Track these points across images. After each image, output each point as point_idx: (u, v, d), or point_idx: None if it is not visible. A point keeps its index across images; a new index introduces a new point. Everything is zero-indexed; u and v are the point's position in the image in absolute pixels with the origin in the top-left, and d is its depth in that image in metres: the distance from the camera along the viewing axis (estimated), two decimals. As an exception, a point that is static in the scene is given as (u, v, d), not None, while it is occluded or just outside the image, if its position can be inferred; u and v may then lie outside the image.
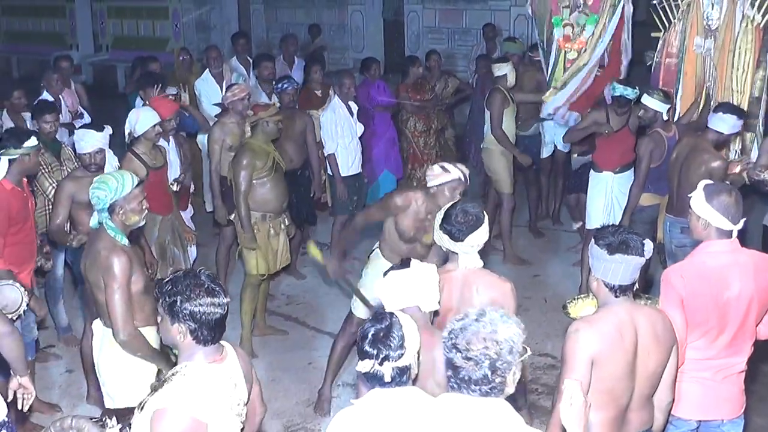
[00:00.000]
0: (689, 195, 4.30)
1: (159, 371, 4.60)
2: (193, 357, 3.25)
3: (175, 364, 4.60)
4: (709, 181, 4.39)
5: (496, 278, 4.31)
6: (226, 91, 7.86)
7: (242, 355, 3.50)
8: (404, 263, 3.78)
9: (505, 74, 8.48)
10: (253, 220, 6.79)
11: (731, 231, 4.12)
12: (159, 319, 3.30)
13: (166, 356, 4.60)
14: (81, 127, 6.23)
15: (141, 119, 6.55)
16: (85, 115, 9.06)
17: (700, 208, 4.15)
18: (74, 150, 6.46)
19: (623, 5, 8.02)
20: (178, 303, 3.17)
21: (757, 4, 6.99)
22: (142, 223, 4.75)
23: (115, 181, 4.52)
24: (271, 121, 6.82)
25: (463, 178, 5.29)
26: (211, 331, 3.22)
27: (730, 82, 7.11)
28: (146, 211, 4.67)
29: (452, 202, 4.38)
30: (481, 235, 4.22)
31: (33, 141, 5.74)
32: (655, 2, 7.63)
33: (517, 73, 8.81)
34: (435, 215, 5.23)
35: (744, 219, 4.15)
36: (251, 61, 10.85)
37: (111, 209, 4.50)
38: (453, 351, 2.80)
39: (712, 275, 4.08)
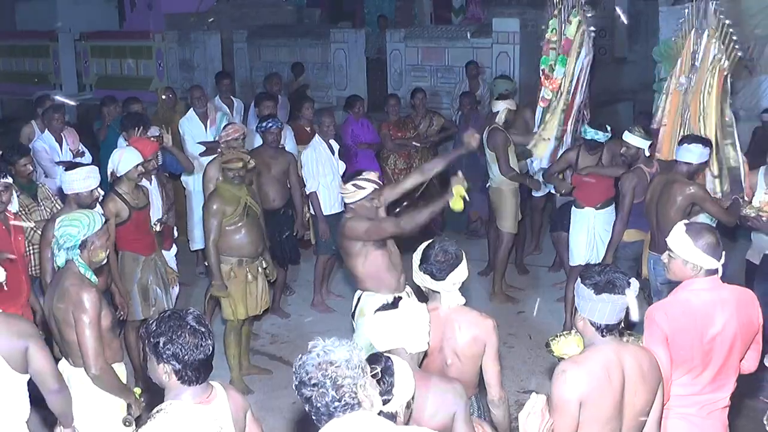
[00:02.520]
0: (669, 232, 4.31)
1: (128, 406, 4.65)
2: (179, 396, 3.24)
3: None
4: (686, 223, 4.36)
5: (477, 315, 4.31)
6: (222, 131, 7.84)
7: (235, 398, 3.47)
8: (394, 303, 3.76)
9: (498, 111, 8.45)
10: (229, 266, 6.76)
11: (716, 269, 4.15)
12: (147, 358, 3.29)
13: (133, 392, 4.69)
14: (75, 167, 6.09)
15: (124, 159, 6.53)
16: (87, 153, 9.04)
17: (688, 252, 4.13)
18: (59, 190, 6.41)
19: (585, 53, 8.09)
20: (161, 344, 3.19)
21: (726, 47, 7.07)
22: (105, 261, 4.79)
23: (86, 218, 4.60)
24: (226, 168, 6.73)
25: (377, 186, 5.63)
26: (195, 372, 3.22)
27: (698, 124, 7.17)
28: (108, 249, 4.74)
29: (429, 242, 4.39)
30: (461, 272, 4.26)
31: None
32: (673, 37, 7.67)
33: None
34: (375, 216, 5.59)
35: (723, 252, 4.18)
36: (234, 100, 10.89)
37: (81, 246, 4.55)
38: (302, 387, 2.92)
39: (696, 313, 4.09)
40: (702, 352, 4.08)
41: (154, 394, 3.46)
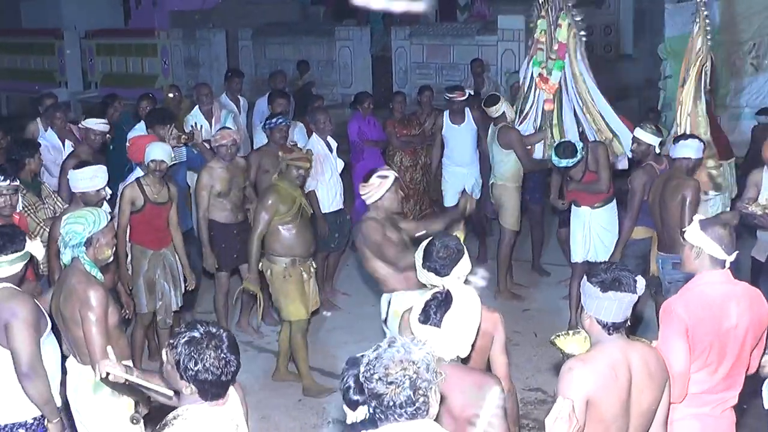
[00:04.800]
0: (675, 228, 4.33)
1: (136, 404, 4.63)
2: (195, 401, 3.18)
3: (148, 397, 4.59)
4: (702, 216, 4.40)
5: (484, 309, 4.28)
6: (215, 134, 7.77)
7: (239, 391, 3.42)
8: (446, 299, 3.68)
9: (504, 112, 8.40)
10: (284, 266, 6.72)
11: (724, 261, 4.15)
12: (165, 365, 3.20)
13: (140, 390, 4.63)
14: (83, 165, 6.15)
15: (147, 150, 6.76)
16: None
17: (694, 237, 4.18)
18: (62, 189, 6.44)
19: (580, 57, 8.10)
20: (192, 366, 3.07)
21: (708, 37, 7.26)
22: (111, 259, 4.77)
23: (92, 216, 4.59)
24: (293, 165, 6.71)
25: (396, 175, 5.55)
26: (218, 389, 3.15)
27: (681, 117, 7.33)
28: (114, 247, 4.74)
29: (428, 239, 4.38)
30: (465, 265, 4.28)
31: None
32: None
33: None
34: (397, 222, 5.47)
35: (736, 252, 4.17)
36: (239, 98, 10.87)
37: (87, 243, 4.54)
38: (374, 381, 2.75)
39: (713, 304, 4.10)
40: (719, 345, 4.08)
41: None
